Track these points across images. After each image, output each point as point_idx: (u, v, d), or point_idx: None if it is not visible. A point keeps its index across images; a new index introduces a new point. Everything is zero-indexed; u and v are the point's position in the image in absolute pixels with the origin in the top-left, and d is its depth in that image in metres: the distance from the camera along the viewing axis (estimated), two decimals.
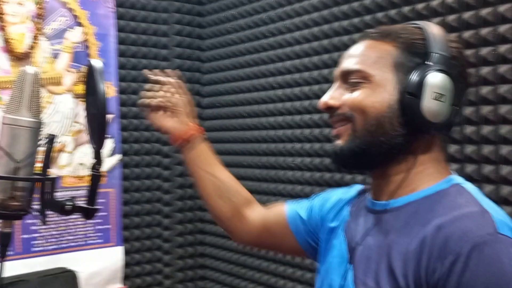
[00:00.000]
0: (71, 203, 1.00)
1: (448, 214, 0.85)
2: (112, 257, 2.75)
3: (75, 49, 2.62)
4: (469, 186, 0.93)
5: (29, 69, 0.93)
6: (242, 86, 2.81)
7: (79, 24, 2.62)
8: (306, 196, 1.40)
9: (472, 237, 0.79)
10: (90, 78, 1.03)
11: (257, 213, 1.33)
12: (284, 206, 1.29)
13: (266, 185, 2.65)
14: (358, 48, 0.98)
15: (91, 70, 1.00)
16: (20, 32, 2.44)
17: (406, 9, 2.01)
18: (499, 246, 0.79)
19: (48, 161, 0.95)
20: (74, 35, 2.61)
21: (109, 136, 2.74)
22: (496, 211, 0.87)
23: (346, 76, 0.98)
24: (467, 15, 1.81)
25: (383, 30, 0.98)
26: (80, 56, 2.62)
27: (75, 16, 2.61)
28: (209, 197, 1.32)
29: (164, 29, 2.96)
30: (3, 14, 2.37)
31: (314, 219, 1.20)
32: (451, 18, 1.85)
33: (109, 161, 2.75)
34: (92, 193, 1.04)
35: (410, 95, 0.89)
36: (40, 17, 2.48)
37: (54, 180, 0.98)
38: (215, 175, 1.31)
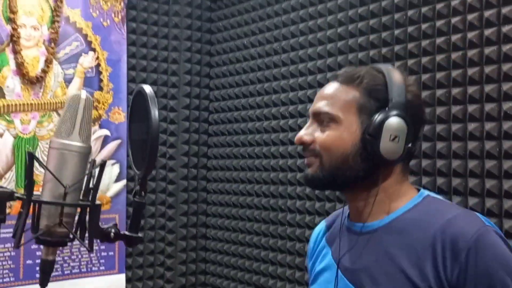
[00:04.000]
0: (114, 231, 0.97)
1: (442, 218, 1.00)
2: (115, 284, 2.69)
3: (86, 74, 2.61)
4: (438, 196, 1.10)
5: (83, 94, 0.92)
6: (252, 102, 2.83)
7: (92, 49, 2.63)
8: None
9: (471, 233, 0.96)
10: (137, 104, 1.00)
11: None
12: None
13: (273, 187, 2.66)
14: (329, 90, 1.10)
15: (140, 96, 0.98)
16: (34, 56, 2.44)
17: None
18: (491, 234, 0.97)
19: (97, 187, 0.93)
20: (87, 60, 2.61)
21: (115, 161, 2.72)
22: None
23: (318, 115, 1.09)
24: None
25: (350, 75, 1.09)
26: (91, 81, 2.62)
27: (88, 42, 2.62)
28: None
29: (174, 56, 2.97)
30: (18, 38, 2.36)
31: None
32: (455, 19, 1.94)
33: (115, 187, 2.72)
34: (136, 220, 1.01)
35: (370, 136, 1.03)
36: (53, 41, 2.47)
37: (100, 207, 0.96)
38: None
